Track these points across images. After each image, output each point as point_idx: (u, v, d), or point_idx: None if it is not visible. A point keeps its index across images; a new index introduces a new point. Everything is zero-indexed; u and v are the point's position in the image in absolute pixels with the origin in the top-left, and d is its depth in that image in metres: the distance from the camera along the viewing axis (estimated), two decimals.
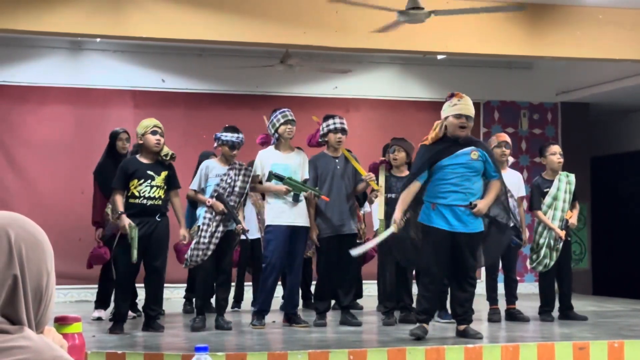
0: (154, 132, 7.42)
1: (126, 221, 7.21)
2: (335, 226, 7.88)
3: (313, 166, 7.95)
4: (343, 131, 7.96)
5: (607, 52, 10.00)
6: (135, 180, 7.35)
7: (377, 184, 8.04)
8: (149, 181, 7.37)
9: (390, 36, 9.05)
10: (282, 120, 7.78)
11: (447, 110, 6.83)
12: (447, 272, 6.91)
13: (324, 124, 7.99)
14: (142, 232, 7.27)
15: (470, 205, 6.69)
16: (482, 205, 6.73)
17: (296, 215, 7.73)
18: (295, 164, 7.82)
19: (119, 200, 7.39)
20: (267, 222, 7.79)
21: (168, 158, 7.47)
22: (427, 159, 6.77)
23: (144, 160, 7.46)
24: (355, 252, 7.36)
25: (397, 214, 6.77)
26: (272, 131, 7.84)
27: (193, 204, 8.45)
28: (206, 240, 7.52)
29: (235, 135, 7.73)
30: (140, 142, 7.47)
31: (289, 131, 7.80)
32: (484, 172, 6.85)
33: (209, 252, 7.54)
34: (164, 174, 7.46)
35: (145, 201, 7.34)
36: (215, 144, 7.77)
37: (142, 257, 7.34)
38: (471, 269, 6.84)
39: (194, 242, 7.57)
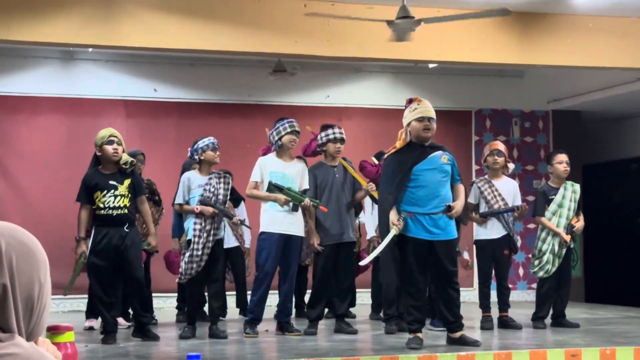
0: (110, 142, 7.40)
1: (81, 249, 7.29)
2: (335, 235, 7.90)
3: (312, 176, 7.97)
4: (342, 141, 8.01)
5: (598, 60, 10.04)
6: (99, 192, 7.32)
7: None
8: (112, 191, 7.34)
9: (381, 45, 9.08)
10: (288, 130, 7.79)
11: (409, 116, 6.84)
12: (430, 278, 6.93)
13: (323, 134, 8.00)
14: (113, 243, 7.26)
15: (448, 208, 6.70)
16: (458, 207, 6.78)
17: (290, 224, 7.74)
18: (294, 173, 7.83)
19: (84, 218, 7.37)
20: (261, 229, 7.80)
21: (127, 166, 7.46)
22: (399, 168, 6.74)
23: (105, 171, 7.43)
24: (364, 262, 7.43)
25: (392, 216, 6.69)
26: (276, 138, 7.82)
27: (180, 214, 8.51)
28: (199, 252, 7.54)
29: (211, 137, 7.84)
30: (99, 153, 7.44)
31: (292, 141, 7.83)
32: (451, 176, 6.88)
33: (202, 263, 7.58)
34: (126, 182, 7.42)
35: (111, 211, 7.30)
36: (197, 156, 7.78)
37: (119, 268, 7.33)
38: (453, 274, 6.84)
39: (187, 255, 7.56)
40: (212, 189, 7.68)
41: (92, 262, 7.27)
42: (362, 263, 7.61)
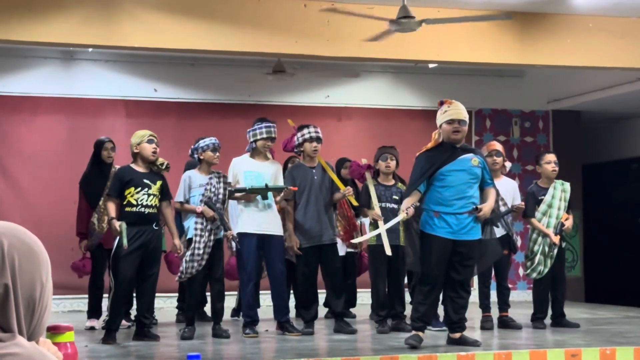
0: (150, 141, 7.52)
1: (117, 223, 7.28)
2: (314, 237, 7.89)
3: (290, 177, 7.98)
4: (318, 140, 7.99)
5: (598, 60, 10.03)
6: (132, 189, 7.40)
7: (366, 193, 8.09)
8: (146, 189, 7.43)
9: (382, 45, 9.07)
10: (265, 136, 7.84)
11: (440, 118, 6.88)
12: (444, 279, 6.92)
13: (299, 134, 8.01)
14: (141, 241, 7.32)
15: (475, 209, 6.71)
16: (487, 209, 6.79)
17: (266, 223, 7.76)
18: (268, 173, 7.85)
19: (112, 207, 7.45)
20: (237, 230, 7.82)
21: (163, 168, 7.56)
22: (429, 166, 6.78)
23: (140, 169, 7.51)
24: (357, 240, 7.59)
25: (406, 204, 6.75)
26: (251, 139, 7.88)
27: (179, 213, 8.56)
28: (200, 252, 7.56)
29: (213, 138, 7.87)
30: (136, 151, 7.53)
31: (265, 147, 7.90)
32: (481, 179, 6.88)
33: (203, 263, 7.60)
34: (158, 183, 7.55)
35: (143, 209, 7.39)
36: (197, 155, 7.82)
37: (138, 266, 7.37)
38: (469, 277, 6.87)
39: (188, 254, 7.58)
40: (213, 189, 7.72)
41: (121, 260, 7.28)
42: (355, 241, 8.08)
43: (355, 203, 8.07)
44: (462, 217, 6.72)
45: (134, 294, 7.93)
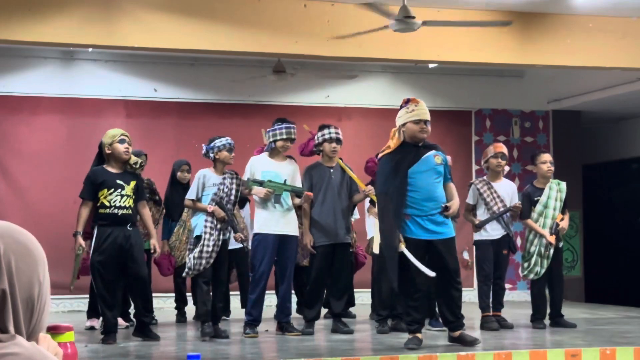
0: (121, 141, 7.43)
1: (79, 243, 7.36)
2: (329, 235, 7.90)
3: (308, 176, 7.99)
4: (338, 141, 8.02)
5: (598, 60, 10.04)
6: (105, 190, 7.34)
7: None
8: (119, 190, 7.36)
9: (382, 45, 9.08)
10: (284, 137, 7.81)
11: (405, 117, 6.83)
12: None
13: (319, 134, 8.03)
14: (117, 243, 7.28)
15: (445, 208, 6.71)
16: (455, 207, 6.79)
17: (285, 224, 7.75)
18: (286, 173, 7.84)
19: (85, 214, 7.41)
20: (255, 230, 7.82)
21: (137, 167, 7.49)
22: (396, 171, 6.74)
23: (112, 170, 7.45)
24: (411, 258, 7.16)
25: (400, 241, 6.68)
26: (271, 139, 7.86)
27: (172, 215, 8.63)
28: (210, 249, 7.54)
29: (228, 138, 7.84)
30: (108, 151, 7.46)
31: (285, 147, 7.87)
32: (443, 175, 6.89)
33: (211, 260, 7.57)
34: (132, 183, 7.47)
35: (116, 210, 7.33)
36: (212, 154, 7.77)
37: (122, 268, 7.35)
38: (454, 273, 6.83)
39: (196, 251, 7.55)
40: (226, 189, 7.70)
41: (97, 262, 7.27)
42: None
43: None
44: (434, 217, 6.72)
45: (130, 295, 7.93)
